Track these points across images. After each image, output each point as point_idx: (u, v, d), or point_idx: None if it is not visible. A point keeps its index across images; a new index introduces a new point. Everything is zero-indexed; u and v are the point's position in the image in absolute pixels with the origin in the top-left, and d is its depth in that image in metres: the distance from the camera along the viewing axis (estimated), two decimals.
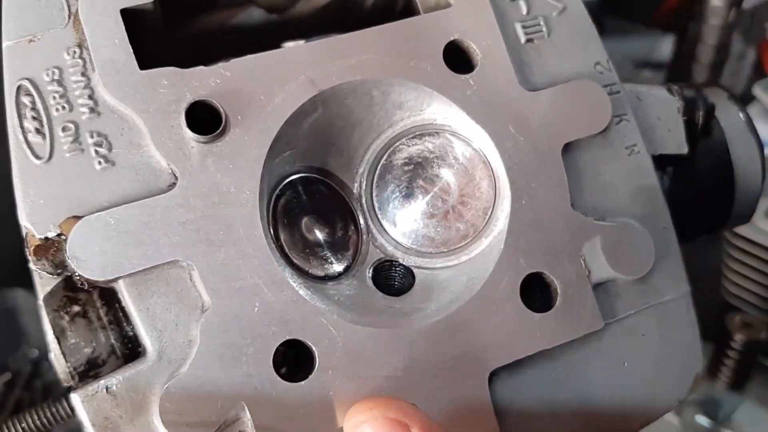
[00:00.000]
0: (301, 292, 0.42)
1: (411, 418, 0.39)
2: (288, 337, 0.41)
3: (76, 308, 0.45)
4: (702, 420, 0.98)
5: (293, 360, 0.42)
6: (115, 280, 0.40)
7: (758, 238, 0.88)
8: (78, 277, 0.41)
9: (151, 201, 0.41)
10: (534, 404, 0.45)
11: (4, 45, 0.43)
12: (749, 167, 0.57)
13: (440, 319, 0.44)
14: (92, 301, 0.45)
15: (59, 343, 0.45)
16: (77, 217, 0.41)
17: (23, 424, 0.48)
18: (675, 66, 1.04)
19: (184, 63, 0.45)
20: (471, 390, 0.43)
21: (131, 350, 0.44)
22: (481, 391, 0.44)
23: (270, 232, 0.43)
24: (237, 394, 0.40)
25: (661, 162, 0.53)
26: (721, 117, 0.56)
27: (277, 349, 0.41)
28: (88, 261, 0.40)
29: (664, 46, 1.08)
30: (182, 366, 0.40)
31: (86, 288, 0.42)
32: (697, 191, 0.56)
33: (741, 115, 0.57)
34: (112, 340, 0.44)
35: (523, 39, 0.50)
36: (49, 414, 0.48)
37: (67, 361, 0.45)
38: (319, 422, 0.41)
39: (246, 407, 0.40)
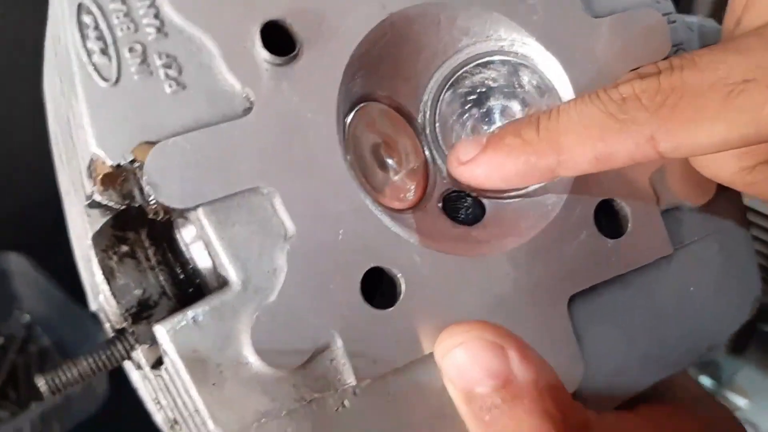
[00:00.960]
0: (383, 219, 0.41)
1: (507, 340, 0.38)
2: (373, 265, 0.40)
3: (125, 248, 0.43)
4: (706, 381, 1.01)
5: (370, 288, 0.41)
6: (195, 207, 0.38)
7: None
8: (154, 206, 0.39)
9: (228, 125, 0.39)
10: (609, 329, 0.46)
11: None
12: None
13: (518, 247, 0.43)
14: (140, 241, 0.43)
15: (109, 284, 0.43)
16: (150, 143, 0.38)
17: (79, 367, 0.46)
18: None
19: None
20: (551, 316, 0.43)
21: (183, 291, 0.43)
22: (562, 317, 0.43)
23: (347, 158, 0.42)
24: (327, 322, 0.39)
25: None
26: None
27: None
28: (167, 188, 0.38)
29: None
30: (269, 295, 0.38)
31: (160, 218, 0.40)
32: None
33: None
34: (162, 281, 0.43)
35: None
36: (105, 357, 0.46)
37: (118, 302, 0.43)
38: (408, 347, 0.40)
39: (336, 335, 0.39)
